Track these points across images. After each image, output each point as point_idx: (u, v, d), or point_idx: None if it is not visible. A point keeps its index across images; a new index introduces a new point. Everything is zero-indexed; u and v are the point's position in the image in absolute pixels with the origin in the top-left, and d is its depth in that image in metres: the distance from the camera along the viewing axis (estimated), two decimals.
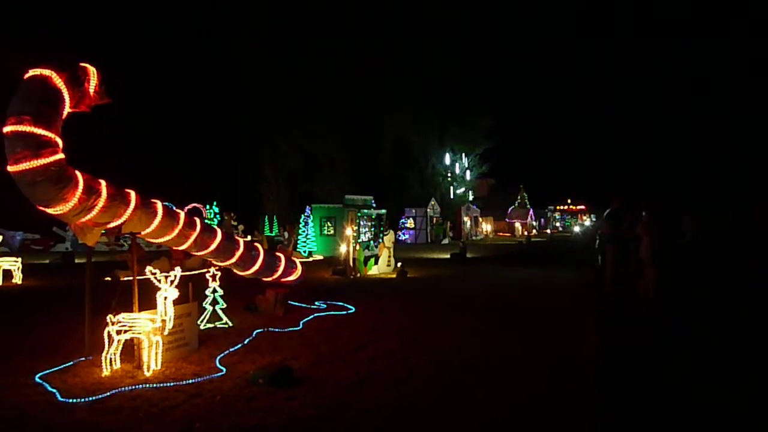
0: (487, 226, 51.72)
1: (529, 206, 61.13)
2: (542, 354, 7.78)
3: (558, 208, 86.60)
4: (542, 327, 9.65)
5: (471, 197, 50.38)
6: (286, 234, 28.03)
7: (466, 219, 45.37)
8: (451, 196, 47.77)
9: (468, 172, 50.71)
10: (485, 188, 53.22)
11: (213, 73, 47.72)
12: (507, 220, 58.59)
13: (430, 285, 15.60)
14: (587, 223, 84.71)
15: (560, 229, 74.44)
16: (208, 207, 28.46)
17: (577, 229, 68.18)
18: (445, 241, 39.86)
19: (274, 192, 49.35)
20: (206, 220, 19.71)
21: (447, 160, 48.28)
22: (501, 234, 55.29)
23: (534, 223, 61.18)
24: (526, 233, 51.39)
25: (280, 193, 49.47)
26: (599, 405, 5.68)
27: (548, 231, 66.26)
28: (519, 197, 61.61)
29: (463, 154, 50.04)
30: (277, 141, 46.96)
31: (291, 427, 5.14)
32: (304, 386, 6.25)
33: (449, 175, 48.51)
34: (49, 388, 6.21)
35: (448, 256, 25.34)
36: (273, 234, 42.71)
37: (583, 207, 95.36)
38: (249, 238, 27.37)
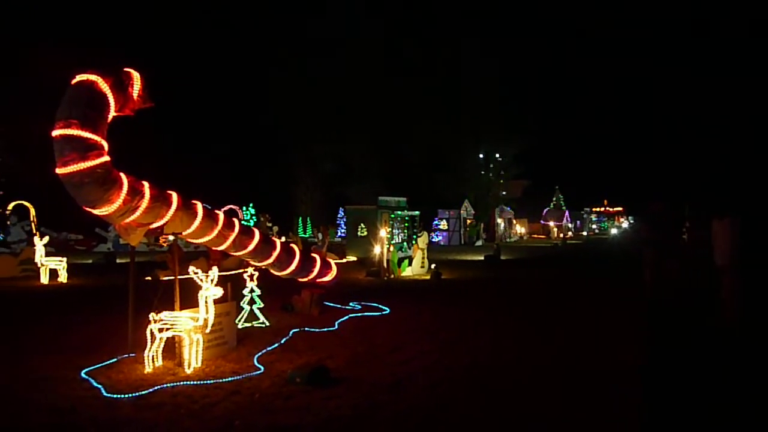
0: (521, 228, 51.20)
1: (564, 208, 60.34)
2: (580, 359, 7.66)
3: (594, 209, 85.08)
4: (580, 332, 9.50)
5: (505, 198, 49.92)
6: (320, 235, 28.29)
7: (499, 221, 45.04)
8: (485, 198, 47.42)
9: (502, 173, 50.28)
10: (519, 189, 52.58)
11: (249, 77, 48.51)
12: (542, 221, 57.89)
13: (464, 287, 15.53)
14: (625, 225, 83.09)
15: (597, 231, 73.15)
16: (244, 209, 28.93)
17: (614, 231, 66.92)
18: (479, 242, 39.63)
19: (308, 194, 49.84)
20: (242, 222, 20.01)
21: (481, 161, 47.93)
22: (535, 236, 54.64)
23: (569, 225, 60.34)
24: (561, 235, 50.67)
25: (313, 194, 49.93)
26: (644, 414, 5.56)
27: (584, 233, 65.21)
28: (554, 198, 60.85)
29: (497, 155, 49.62)
30: (311, 143, 47.40)
31: (328, 427, 5.19)
32: (340, 386, 6.30)
33: (483, 176, 48.15)
34: (95, 384, 6.41)
35: (482, 257, 25.18)
36: (307, 235, 43.13)
37: (620, 208, 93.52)
38: (283, 239, 27.71)
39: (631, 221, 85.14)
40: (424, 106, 45.09)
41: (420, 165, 46.58)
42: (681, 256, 10.33)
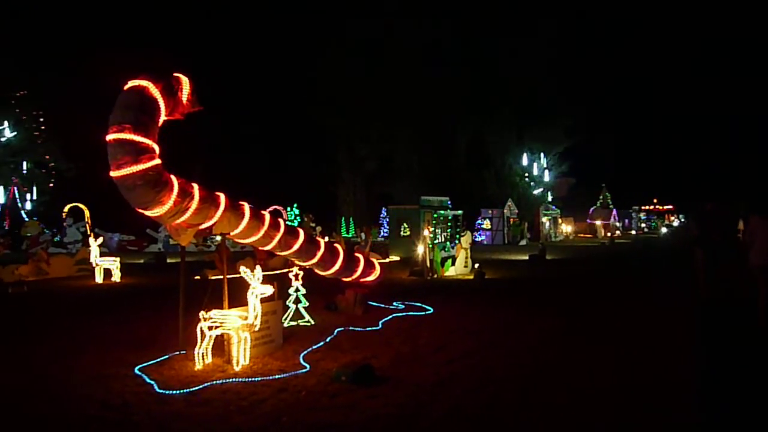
0: (567, 227, 50.22)
1: (611, 206, 58.89)
2: (628, 360, 7.47)
3: (643, 208, 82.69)
4: (628, 333, 9.26)
5: (550, 197, 49.06)
6: (363, 235, 28.43)
7: (544, 220, 44.30)
8: (529, 197, 46.73)
9: (547, 172, 49.43)
10: (565, 188, 51.54)
11: (292, 77, 49.21)
12: (588, 220, 56.65)
13: (508, 287, 15.35)
14: (675, 223, 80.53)
15: (646, 230, 71.07)
16: (288, 209, 29.35)
17: (664, 230, 64.92)
18: (523, 242, 39.09)
19: (351, 194, 50.15)
20: (287, 222, 20.30)
21: (525, 159, 47.26)
22: (582, 235, 53.49)
23: (617, 223, 58.85)
24: (608, 234, 49.45)
25: (356, 194, 50.21)
26: (698, 416, 5.39)
27: (633, 232, 63.47)
28: (601, 197, 59.46)
29: (542, 153, 48.82)
30: (354, 143, 47.70)
31: (373, 426, 5.21)
32: (385, 385, 6.33)
33: (527, 174, 47.48)
34: (148, 380, 6.62)
35: (527, 257, 24.83)
36: (349, 235, 43.44)
37: (670, 207, 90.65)
38: (327, 239, 28.00)
39: (682, 220, 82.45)
40: (468, 104, 44.76)
41: (463, 164, 46.27)
42: (734, 256, 9.92)
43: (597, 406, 5.68)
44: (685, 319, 10.24)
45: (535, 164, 48.40)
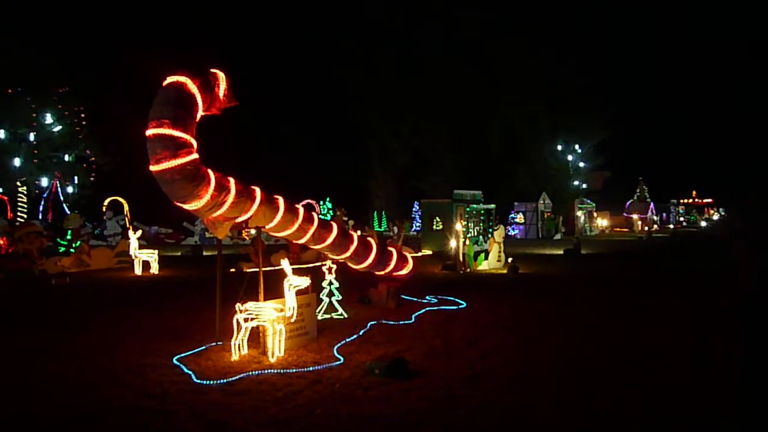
0: (602, 221, 49.32)
1: (649, 200, 57.59)
2: (667, 357, 7.32)
3: (682, 201, 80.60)
4: (667, 328, 9.06)
5: (585, 191, 48.25)
6: (395, 229, 28.44)
7: (579, 214, 43.60)
8: (564, 190, 46.01)
9: (582, 165, 48.58)
10: (600, 181, 50.55)
11: (325, 71, 49.38)
12: (625, 214, 55.52)
13: (543, 281, 15.17)
14: (715, 217, 78.34)
15: (684, 224, 69.31)
16: (321, 203, 29.54)
17: (704, 224, 63.21)
18: (558, 236, 38.56)
19: (383, 188, 50.17)
20: (320, 216, 20.46)
21: (559, 152, 46.52)
22: (618, 229, 52.48)
23: (655, 217, 57.50)
24: (646, 228, 48.40)
25: (388, 188, 50.21)
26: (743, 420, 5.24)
27: (671, 226, 61.97)
28: (638, 190, 58.23)
29: (577, 146, 47.97)
30: (386, 137, 47.67)
31: (407, 419, 5.22)
32: (418, 379, 6.33)
33: (561, 167, 46.74)
34: (186, 370, 6.77)
35: (561, 252, 24.50)
36: (382, 229, 43.51)
37: (710, 200, 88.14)
38: (359, 233, 28.11)
39: (722, 213, 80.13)
40: (500, 96, 44.25)
41: (496, 157, 45.80)
42: None
43: (635, 406, 5.58)
44: (726, 315, 9.96)
45: (570, 157, 47.60)
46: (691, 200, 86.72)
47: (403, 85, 44.27)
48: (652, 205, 56.55)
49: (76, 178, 37.14)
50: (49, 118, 35.35)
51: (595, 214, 47.74)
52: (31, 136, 34.59)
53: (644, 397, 5.76)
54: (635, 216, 54.10)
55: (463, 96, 43.11)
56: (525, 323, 9.49)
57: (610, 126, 47.02)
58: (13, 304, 12.52)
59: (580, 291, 13.39)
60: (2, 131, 33.37)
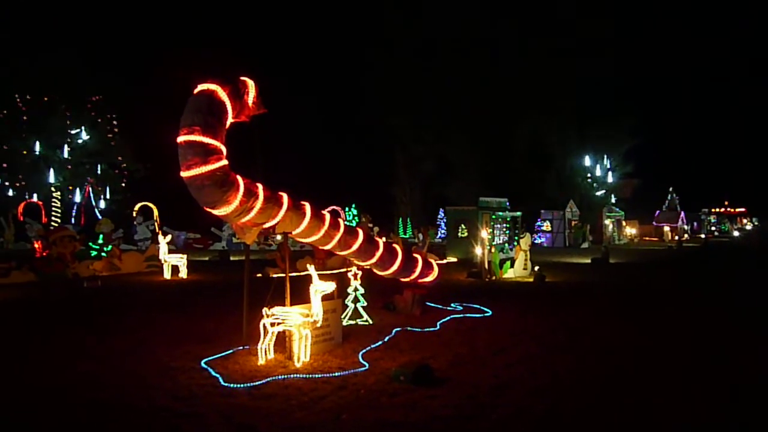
0: (631, 230, 48.52)
1: (679, 209, 56.47)
2: (692, 369, 7.16)
3: (713, 210, 78.89)
4: (695, 340, 8.86)
5: (613, 199, 47.54)
6: (420, 236, 28.40)
7: (607, 222, 42.98)
8: (592, 198, 45.41)
9: (610, 173, 47.91)
10: (629, 189, 49.73)
11: (349, 78, 49.76)
12: (654, 223, 54.52)
13: (570, 290, 14.99)
14: (748, 227, 76.46)
15: (716, 233, 67.77)
16: (346, 209, 29.68)
17: (736, 233, 61.69)
18: (585, 245, 38.06)
19: (407, 194, 50.18)
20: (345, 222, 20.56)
21: (587, 159, 45.98)
22: (647, 239, 51.57)
23: (685, 226, 56.36)
24: (676, 238, 47.46)
25: (413, 195, 50.21)
26: None
27: (702, 235, 60.66)
28: (668, 199, 57.12)
29: (605, 153, 47.33)
30: (411, 144, 47.70)
31: (433, 426, 5.21)
32: (444, 386, 6.31)
33: (589, 175, 46.16)
34: (213, 373, 6.86)
35: (589, 260, 24.17)
36: (407, 236, 43.48)
37: (743, 209, 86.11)
38: (384, 239, 28.16)
39: (755, 223, 78.16)
40: (527, 103, 43.94)
41: (522, 164, 45.44)
42: None
43: (663, 416, 5.48)
44: (761, 324, 9.73)
45: (598, 165, 47.00)
46: (723, 209, 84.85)
47: (428, 91, 44.28)
48: (682, 214, 55.44)
49: (107, 184, 38.01)
50: (82, 127, 36.30)
51: (623, 223, 47.01)
52: (65, 145, 35.55)
53: (672, 408, 5.65)
54: (665, 225, 53.11)
55: (488, 102, 42.91)
56: (551, 332, 9.39)
57: (640, 133, 46.34)
58: (46, 305, 12.83)
59: (607, 300, 13.20)
60: (38, 143, 34.37)
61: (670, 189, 58.44)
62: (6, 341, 8.88)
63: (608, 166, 47.58)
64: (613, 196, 47.55)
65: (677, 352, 8.03)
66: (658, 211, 55.82)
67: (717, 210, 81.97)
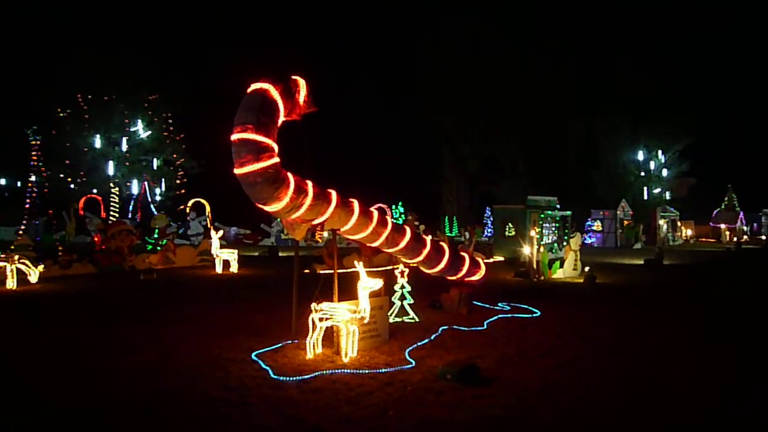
0: (686, 231, 46.84)
1: (738, 209, 54.13)
2: (748, 377, 6.87)
3: None
4: (752, 347, 8.50)
5: (668, 198, 45.98)
6: (466, 234, 28.22)
7: (662, 222, 41.61)
8: (645, 197, 44.05)
9: (665, 171, 46.34)
10: (685, 188, 47.96)
11: (397, 75, 49.83)
12: (711, 224, 52.41)
13: (622, 292, 14.60)
14: None
15: None
16: (393, 207, 29.74)
17: None
18: (638, 245, 36.96)
19: (454, 193, 49.92)
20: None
21: (640, 157, 44.61)
22: (704, 240, 49.64)
23: (744, 227, 53.97)
24: (734, 239, 45.53)
25: (460, 194, 49.90)
26: None
27: (762, 237, 57.95)
28: (726, 198, 54.80)
29: (660, 151, 45.82)
30: (459, 143, 47.42)
31: (480, 426, 5.20)
32: (491, 386, 6.28)
33: (642, 174, 44.78)
34: (263, 365, 7.03)
35: (641, 262, 23.48)
36: (453, 234, 43.27)
37: None
38: (430, 237, 28.07)
39: None
40: (578, 99, 42.99)
41: (573, 163, 44.52)
42: None
43: (714, 423, 5.30)
44: None
45: (652, 163, 45.53)
46: None
47: (475, 89, 43.89)
48: (741, 214, 53.11)
49: (163, 180, 39.31)
50: (139, 124, 37.68)
51: (678, 223, 45.41)
52: (124, 142, 36.97)
53: (724, 415, 5.46)
54: (723, 226, 50.99)
55: (537, 99, 42.18)
56: (601, 334, 9.19)
57: (696, 130, 44.62)
58: (105, 297, 13.40)
59: (660, 303, 12.81)
60: (98, 138, 35.90)
61: (729, 187, 56.08)
62: (69, 330, 9.33)
63: (663, 164, 46.05)
64: (667, 195, 46.00)
65: (734, 358, 7.73)
66: (715, 211, 53.64)
67: None
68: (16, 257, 14.82)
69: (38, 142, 18.12)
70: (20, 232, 18.28)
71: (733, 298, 13.78)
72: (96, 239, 19.96)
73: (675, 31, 42.27)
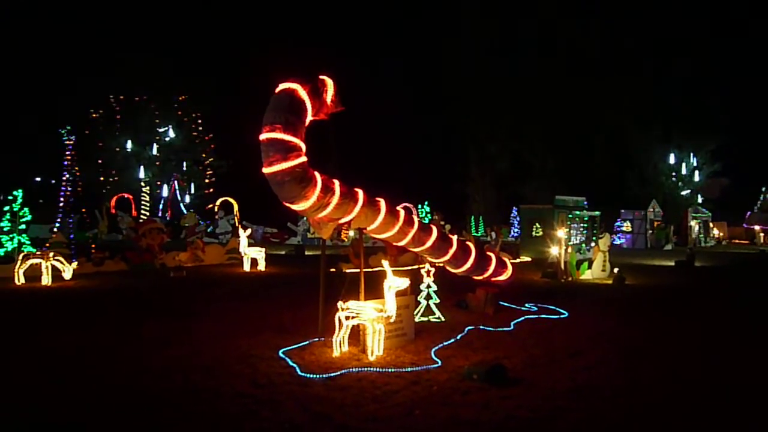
0: (719, 232, 45.78)
1: None
2: None
3: None
4: None
5: (700, 199, 45.00)
6: (493, 234, 28.04)
7: (693, 223, 40.75)
8: (676, 198, 43.17)
9: (697, 172, 45.35)
10: (717, 189, 46.88)
11: (425, 75, 49.73)
12: (745, 225, 51.13)
13: (652, 294, 14.35)
14: None
15: None
16: (419, 207, 29.72)
17: None
18: (668, 247, 36.26)
19: (480, 192, 49.64)
20: None
21: (671, 158, 43.73)
22: (737, 241, 48.44)
23: None
24: None
25: (486, 193, 49.60)
26: None
27: None
28: (760, 199, 53.40)
29: (692, 152, 44.86)
30: (485, 142, 47.12)
31: (506, 426, 5.17)
32: (517, 387, 6.23)
33: (674, 174, 43.90)
34: (290, 363, 7.10)
35: (672, 263, 23.02)
36: (479, 234, 43.04)
37: None
38: (456, 237, 27.95)
39: None
40: (606, 99, 42.33)
41: (602, 162, 43.86)
42: None
43: (745, 426, 5.18)
44: None
45: (684, 163, 44.59)
46: None
47: (503, 88, 43.59)
48: None
49: (192, 180, 39.99)
50: (169, 125, 38.39)
51: (710, 224, 44.42)
52: (154, 146, 37.73)
53: (755, 420, 5.34)
54: (757, 227, 49.69)
55: (565, 98, 41.70)
56: (631, 336, 9.05)
57: (729, 129, 43.55)
58: (136, 294, 13.67)
59: (691, 305, 12.56)
60: (129, 142, 36.68)
61: (763, 189, 54.63)
62: (101, 325, 9.55)
63: (695, 165, 45.10)
64: (699, 196, 45.03)
65: (763, 361, 7.55)
66: (749, 212, 52.33)
67: None
68: (51, 254, 15.23)
69: (72, 142, 18.55)
70: (54, 229, 18.79)
71: (766, 301, 13.43)
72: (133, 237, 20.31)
73: (707, 30, 41.22)
